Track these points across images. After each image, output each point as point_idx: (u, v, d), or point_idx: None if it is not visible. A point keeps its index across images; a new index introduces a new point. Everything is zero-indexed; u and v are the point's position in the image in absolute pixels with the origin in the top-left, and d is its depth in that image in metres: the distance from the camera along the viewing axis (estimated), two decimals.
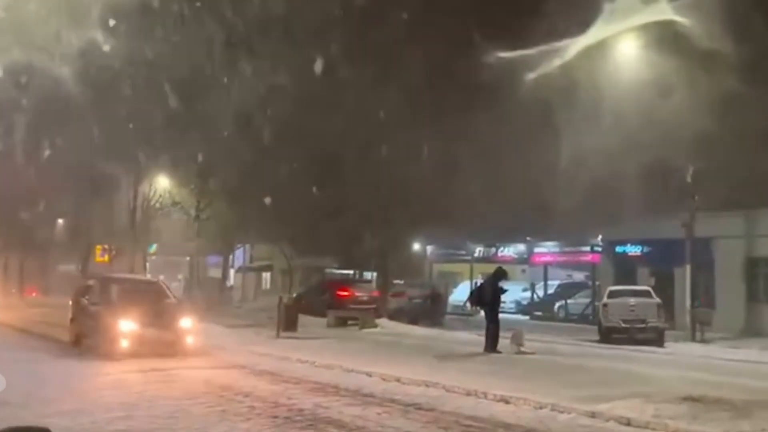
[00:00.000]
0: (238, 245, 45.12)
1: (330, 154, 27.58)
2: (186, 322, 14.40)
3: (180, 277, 45.55)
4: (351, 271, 43.45)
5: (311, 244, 37.47)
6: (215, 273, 42.74)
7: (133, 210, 36.12)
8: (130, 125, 27.70)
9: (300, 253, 40.10)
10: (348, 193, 29.16)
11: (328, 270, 44.44)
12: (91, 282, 17.43)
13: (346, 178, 28.64)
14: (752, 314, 25.78)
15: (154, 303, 14.73)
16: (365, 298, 27.83)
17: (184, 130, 25.97)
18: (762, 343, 21.12)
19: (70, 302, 16.95)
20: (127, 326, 13.71)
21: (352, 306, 25.98)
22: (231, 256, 44.36)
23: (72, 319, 16.25)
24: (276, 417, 8.60)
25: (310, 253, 39.77)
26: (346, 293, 28.06)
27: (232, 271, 47.70)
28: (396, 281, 35.38)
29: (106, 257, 40.48)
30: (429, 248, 40.80)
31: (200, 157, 26.29)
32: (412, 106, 25.56)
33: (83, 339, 15.33)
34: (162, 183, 34.79)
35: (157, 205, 35.91)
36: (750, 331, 24.60)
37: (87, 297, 15.86)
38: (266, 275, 50.16)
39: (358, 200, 29.03)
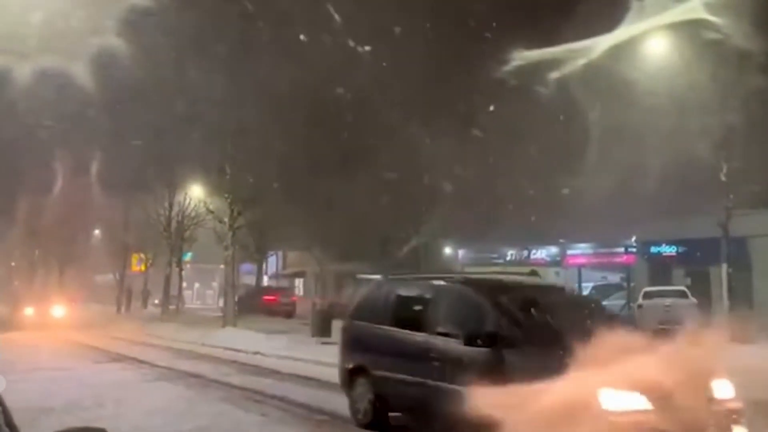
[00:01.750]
0: (271, 252, 45.50)
1: (362, 159, 27.73)
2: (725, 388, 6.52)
3: (214, 284, 46.12)
4: (382, 276, 43.50)
5: (344, 250, 37.66)
6: (249, 280, 43.19)
7: (168, 219, 36.70)
8: (165, 134, 28.17)
9: (332, 259, 40.31)
10: (381, 198, 29.27)
11: (359, 275, 44.56)
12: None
13: (379, 183, 28.75)
14: None
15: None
16: (285, 302, 36.18)
17: (218, 138, 26.35)
18: None
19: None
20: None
21: (274, 308, 33.88)
22: (264, 263, 44.77)
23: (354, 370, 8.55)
24: (320, 429, 8.72)
25: (342, 258, 39.96)
26: (271, 297, 36.33)
27: (265, 278, 48.17)
28: None
29: (143, 266, 41.17)
30: (461, 252, 40.72)
31: (234, 165, 26.64)
32: (444, 109, 25.60)
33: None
34: (196, 192, 35.31)
35: (192, 213, 36.44)
36: None
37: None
38: (299, 281, 50.53)
39: (392, 205, 29.13)
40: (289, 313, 33.82)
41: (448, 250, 40.58)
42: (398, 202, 28.99)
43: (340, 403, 10.05)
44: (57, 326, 29.02)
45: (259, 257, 40.14)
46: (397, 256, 33.47)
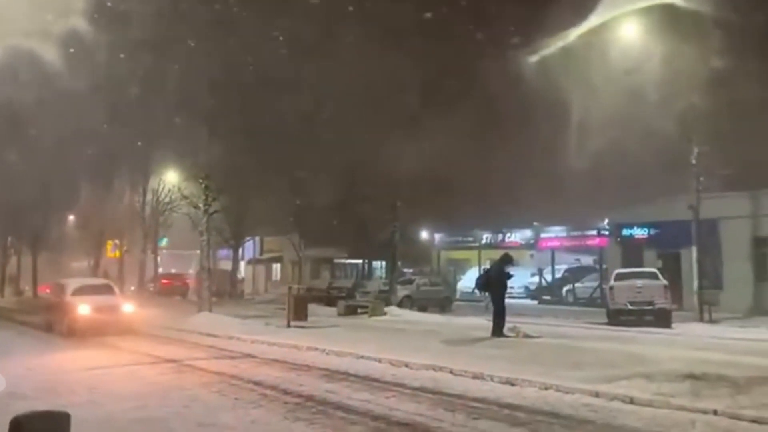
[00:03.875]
0: (248, 237, 45.44)
1: (339, 146, 27.77)
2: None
3: (191, 270, 45.97)
4: (360, 261, 43.76)
5: (321, 235, 37.75)
6: (226, 266, 43.12)
7: (143, 205, 36.45)
8: (139, 120, 27.97)
9: (309, 244, 40.40)
10: (357, 184, 29.37)
11: (337, 260, 44.77)
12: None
13: (354, 169, 28.83)
14: (760, 294, 25.91)
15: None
16: (179, 284, 41.10)
17: (193, 123, 26.18)
18: None
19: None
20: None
21: (170, 289, 39.50)
22: (241, 249, 44.70)
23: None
24: (287, 403, 8.87)
25: (319, 243, 40.07)
26: (166, 281, 41.82)
27: (242, 264, 48.10)
28: (406, 270, 35.68)
29: (117, 252, 40.91)
30: (437, 236, 41.02)
31: (208, 151, 26.49)
32: (417, 95, 25.69)
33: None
34: (171, 178, 35.09)
35: (167, 200, 36.22)
36: (758, 310, 24.73)
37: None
38: (276, 266, 50.55)
39: (368, 191, 29.24)
40: (183, 294, 39.31)
41: (424, 235, 40.84)
42: (375, 188, 29.10)
43: (313, 385, 10.25)
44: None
45: (235, 243, 40.04)
46: (374, 242, 33.66)
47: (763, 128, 21.52)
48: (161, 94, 25.19)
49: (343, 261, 44.69)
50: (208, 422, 7.81)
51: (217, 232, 35.33)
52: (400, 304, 27.04)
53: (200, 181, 24.99)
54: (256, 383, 10.49)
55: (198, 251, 27.11)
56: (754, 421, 7.24)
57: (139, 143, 30.81)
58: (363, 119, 26.11)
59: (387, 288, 29.52)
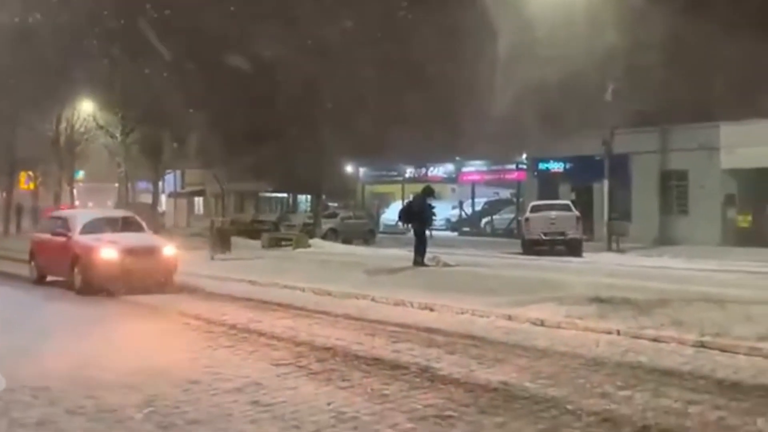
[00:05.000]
0: (169, 170, 44.43)
1: (262, 76, 27.25)
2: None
3: (109, 203, 44.71)
4: (285, 195, 43.61)
5: (245, 169, 37.29)
6: (146, 199, 42.14)
7: (56, 134, 34.93)
8: (54, 47, 26.55)
9: (233, 178, 39.90)
10: (280, 116, 29.00)
11: (261, 194, 44.46)
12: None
13: (278, 100, 28.42)
14: (665, 225, 27.50)
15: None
16: None
17: (110, 50, 25.11)
18: (673, 251, 22.76)
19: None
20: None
21: None
22: (161, 182, 43.70)
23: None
24: (211, 332, 9.05)
25: (243, 177, 39.60)
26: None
27: (163, 197, 47.10)
28: (331, 203, 35.88)
29: (31, 184, 39.31)
30: (362, 170, 41.25)
31: (125, 79, 25.55)
32: (345, 29, 25.36)
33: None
34: (86, 107, 33.67)
35: (82, 129, 34.81)
36: (662, 240, 26.34)
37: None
38: (199, 200, 49.76)
39: (291, 123, 28.95)
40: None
41: (349, 169, 40.97)
42: (299, 121, 28.85)
43: (237, 314, 10.45)
44: None
45: (155, 175, 39.08)
46: (300, 176, 33.55)
47: (673, 66, 22.43)
48: (71, 16, 23.98)
49: (267, 195, 44.44)
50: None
51: (135, 164, 34.41)
52: (324, 237, 27.34)
53: (116, 110, 24.22)
54: (180, 313, 10.59)
55: (116, 184, 26.45)
56: (653, 339, 7.88)
57: (49, 68, 29.30)
58: (287, 50, 25.65)
59: (312, 221, 29.71)
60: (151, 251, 13.25)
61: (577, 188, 29.77)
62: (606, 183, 25.53)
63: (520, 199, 33.04)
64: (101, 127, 28.73)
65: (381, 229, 34.38)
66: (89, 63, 27.18)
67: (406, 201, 19.37)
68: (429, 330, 8.91)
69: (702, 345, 7.51)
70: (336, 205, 36.42)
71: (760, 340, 7.35)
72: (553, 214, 22.75)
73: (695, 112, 24.81)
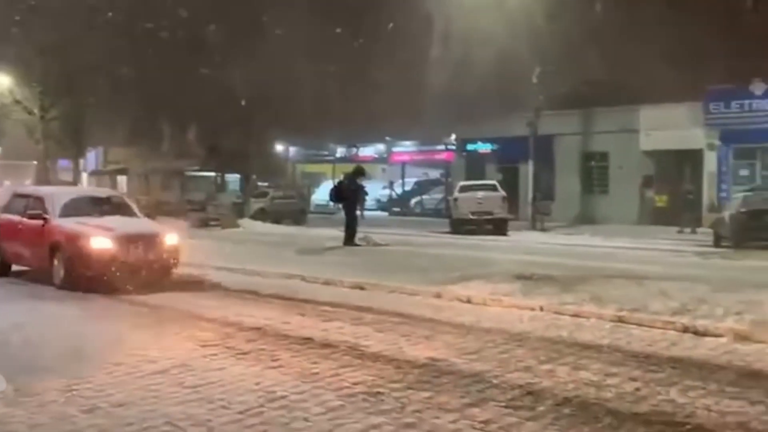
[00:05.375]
0: (90, 148, 42.92)
1: (190, 52, 26.59)
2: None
3: (27, 182, 42.90)
4: (213, 174, 42.82)
5: (170, 147, 36.42)
6: (67, 178, 40.59)
7: None
8: None
9: (158, 156, 38.88)
10: (208, 94, 28.40)
11: (188, 173, 43.49)
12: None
13: (205, 78, 27.81)
14: (586, 204, 28.49)
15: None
16: None
17: (28, 22, 23.89)
18: (593, 229, 23.63)
19: None
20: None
21: None
22: (83, 160, 42.18)
23: None
24: (139, 314, 8.90)
25: (169, 155, 38.66)
26: None
27: (84, 175, 45.50)
28: (260, 183, 35.48)
29: None
30: (291, 149, 40.92)
31: (44, 54, 24.41)
32: (275, 6, 24.96)
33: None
34: (1, 80, 32.06)
35: None
36: (584, 219, 27.30)
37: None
38: (122, 179, 48.29)
39: (219, 101, 28.41)
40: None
41: (279, 148, 40.56)
42: (227, 100, 28.34)
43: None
44: None
45: (76, 153, 37.68)
46: (228, 155, 33.04)
47: (597, 50, 23.08)
48: None
49: (194, 174, 43.51)
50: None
51: (55, 142, 33.10)
52: (253, 217, 27.04)
53: (33, 84, 23.18)
54: (102, 295, 10.33)
55: (35, 162, 25.38)
56: (574, 315, 8.18)
57: None
58: (216, 27, 25.12)
59: (241, 201, 29.31)
60: (150, 239, 10.95)
61: (504, 169, 30.44)
62: (531, 164, 26.21)
63: (449, 180, 33.49)
64: (18, 102, 27.41)
65: (312, 208, 34.26)
66: (4, 35, 25.86)
67: (337, 181, 19.36)
68: (359, 308, 8.97)
69: (619, 320, 7.83)
70: (266, 184, 36.04)
71: (673, 314, 7.73)
72: (481, 194, 23.22)
73: (617, 96, 25.67)
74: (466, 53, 21.76)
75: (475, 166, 31.47)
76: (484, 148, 31.81)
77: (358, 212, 16.76)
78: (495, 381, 5.59)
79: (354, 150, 38.08)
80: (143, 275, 10.48)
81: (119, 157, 44.80)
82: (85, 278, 10.45)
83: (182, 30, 25.36)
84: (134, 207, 12.83)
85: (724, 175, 25.93)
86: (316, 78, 27.23)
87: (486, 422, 4.66)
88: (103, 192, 14.40)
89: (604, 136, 28.01)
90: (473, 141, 32.05)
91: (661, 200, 26.70)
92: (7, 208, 12.95)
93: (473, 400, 5.13)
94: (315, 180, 40.84)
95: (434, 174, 38.13)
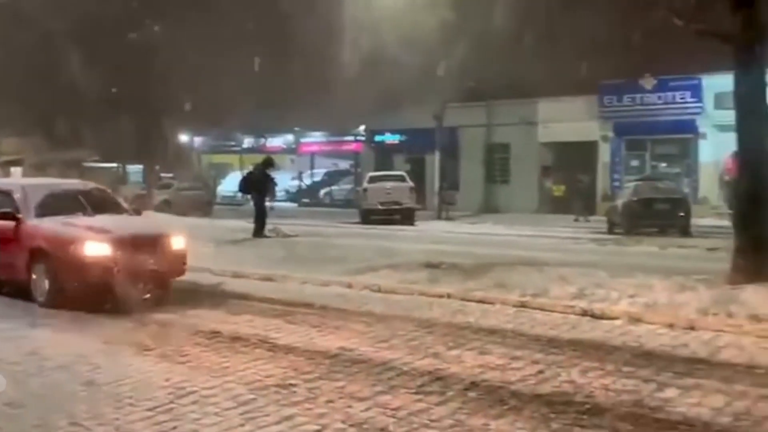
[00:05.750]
0: None
1: (86, 38, 25.44)
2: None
3: None
4: (115, 165, 41.28)
5: (68, 137, 34.78)
6: None
7: None
8: None
9: (56, 146, 37.06)
10: (108, 81, 27.27)
11: (88, 164, 41.70)
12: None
13: (104, 64, 26.69)
14: (489, 194, 29.41)
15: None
16: None
17: None
18: (496, 218, 24.43)
19: None
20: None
21: None
22: None
23: None
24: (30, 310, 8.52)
25: (67, 145, 36.91)
26: None
27: None
28: (164, 174, 34.48)
29: None
30: (197, 140, 39.97)
31: None
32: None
33: None
34: None
35: None
36: (487, 208, 28.19)
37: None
38: (17, 170, 45.72)
39: (119, 89, 27.36)
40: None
41: (183, 138, 39.54)
42: (128, 87, 27.31)
43: None
44: None
45: None
46: (130, 145, 31.91)
47: (500, 43, 23.67)
48: None
49: (94, 165, 41.75)
50: None
51: None
52: (157, 209, 26.25)
53: None
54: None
55: None
56: (480, 301, 8.44)
57: None
58: (115, 11, 24.17)
59: (144, 192, 28.40)
60: (155, 242, 9.05)
61: (411, 159, 30.91)
62: (437, 155, 26.75)
63: (358, 170, 33.66)
64: None
65: (219, 200, 33.63)
66: None
67: (245, 172, 19.11)
68: (270, 300, 8.95)
69: (522, 305, 8.16)
70: (170, 175, 35.05)
71: (572, 299, 8.11)
72: (389, 184, 23.52)
73: (518, 89, 26.49)
74: (373, 45, 21.87)
75: (383, 157, 31.80)
76: (392, 139, 32.17)
77: (268, 203, 16.59)
78: (405, 368, 5.73)
79: (262, 140, 37.61)
80: (146, 287, 8.64)
81: (12, 147, 42.43)
82: (74, 293, 8.42)
83: (80, 12, 24.23)
84: (123, 202, 11.10)
85: (616, 166, 27.29)
86: (223, 67, 26.66)
87: (397, 409, 4.78)
88: (83, 185, 11.47)
89: (505, 128, 28.90)
90: (381, 132, 32.34)
91: (558, 190, 27.82)
92: None
93: (384, 388, 5.24)
94: (222, 171, 40.09)
95: (343, 165, 38.20)
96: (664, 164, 26.82)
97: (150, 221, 11.30)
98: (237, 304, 8.77)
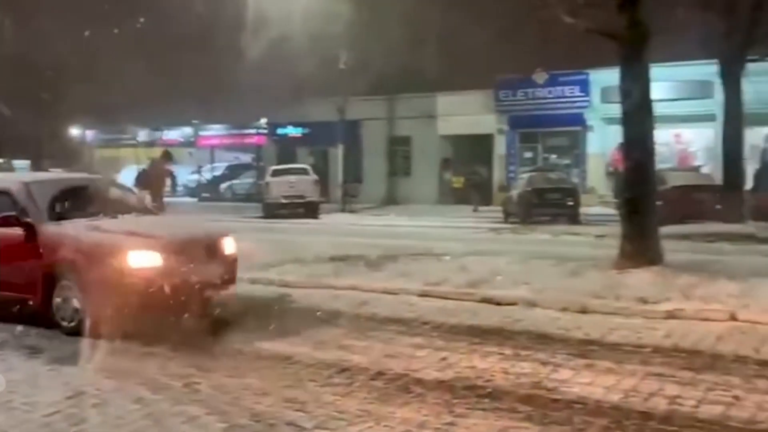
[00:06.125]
0: None
1: None
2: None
3: None
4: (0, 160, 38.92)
5: None
6: None
7: None
8: None
9: None
10: None
11: None
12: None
13: None
14: (391, 186, 29.82)
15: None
16: None
17: None
18: (398, 209, 24.83)
19: None
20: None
21: None
22: None
23: None
24: None
25: None
26: None
27: None
28: (53, 169, 32.81)
29: None
30: (89, 133, 38.31)
31: None
32: None
33: None
34: None
35: None
36: (389, 200, 28.58)
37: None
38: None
39: (3, 83, 25.81)
40: None
41: (74, 132, 37.76)
42: (13, 78, 25.82)
43: None
44: None
45: None
46: (14, 138, 30.20)
47: (401, 37, 23.95)
48: None
49: None
50: None
51: None
52: None
53: None
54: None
55: None
56: (384, 291, 8.54)
57: None
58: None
59: None
60: (209, 248, 7.43)
61: (315, 152, 30.82)
62: (340, 148, 26.81)
63: (261, 164, 33.23)
64: None
65: None
66: None
67: (142, 166, 18.51)
68: None
69: (425, 294, 8.33)
70: (60, 170, 33.39)
71: (472, 286, 8.38)
72: (293, 178, 23.37)
73: (419, 83, 26.93)
74: (275, 37, 21.61)
75: (286, 150, 31.54)
76: (294, 132, 31.95)
77: (169, 198, 16.16)
78: (311, 362, 5.75)
79: (159, 133, 36.45)
80: (196, 305, 6.85)
81: None
82: (115, 316, 6.37)
83: None
84: (145, 198, 9.40)
85: (511, 158, 28.26)
86: (116, 59, 25.65)
87: (304, 403, 4.80)
88: (93, 179, 9.53)
89: (406, 121, 29.32)
90: (284, 125, 32.05)
91: (458, 182, 28.51)
92: None
93: (291, 382, 5.25)
94: (116, 165, 38.56)
95: (245, 158, 37.57)
96: (554, 156, 27.99)
97: (191, 221, 9.79)
98: None
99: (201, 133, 35.64)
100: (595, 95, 25.89)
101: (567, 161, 27.61)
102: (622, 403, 4.73)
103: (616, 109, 10.29)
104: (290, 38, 21.90)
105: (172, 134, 36.43)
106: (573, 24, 9.77)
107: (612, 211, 16.97)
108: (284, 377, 5.37)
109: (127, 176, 32.89)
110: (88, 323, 6.61)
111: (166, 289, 6.64)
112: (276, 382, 5.23)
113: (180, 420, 4.54)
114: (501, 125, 28.11)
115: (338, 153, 27.08)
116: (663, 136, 19.25)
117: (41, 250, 7.05)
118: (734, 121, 17.09)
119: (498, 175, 28.10)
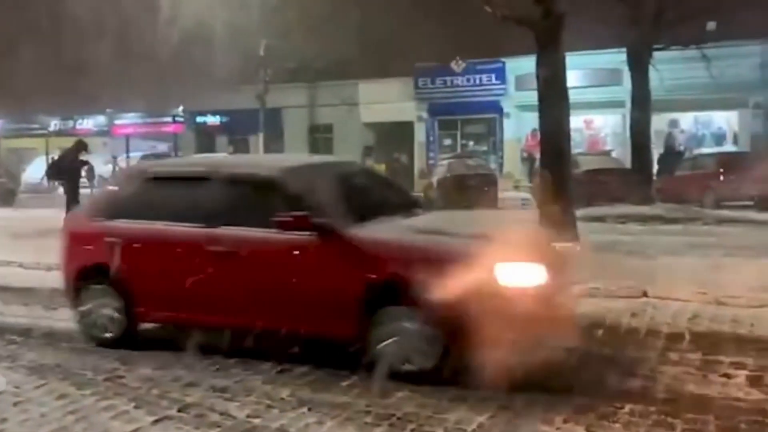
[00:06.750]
0: None
1: None
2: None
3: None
4: None
5: None
6: None
7: None
8: None
9: None
10: None
11: None
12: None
13: None
14: None
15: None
16: None
17: None
18: None
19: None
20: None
21: None
22: None
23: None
24: None
25: None
26: None
27: None
28: None
29: None
30: None
31: None
32: None
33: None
34: None
35: None
36: None
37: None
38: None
39: None
40: None
41: None
42: None
43: None
44: None
45: None
46: None
47: (323, 24, 23.91)
48: None
49: None
50: None
51: None
52: None
53: None
54: None
55: None
56: None
57: None
58: None
59: None
60: (559, 257, 5.92)
61: (235, 141, 30.42)
62: (261, 136, 26.57)
63: (179, 153, 32.51)
64: None
65: (22, 188, 30.99)
66: None
67: (53, 156, 17.84)
68: None
69: None
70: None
71: None
72: None
73: (341, 71, 26.96)
74: (192, 23, 21.14)
75: (204, 139, 31.02)
76: (213, 120, 31.41)
77: (88, 190, 15.62)
78: None
79: (71, 122, 35.12)
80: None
81: None
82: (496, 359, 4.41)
83: None
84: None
85: (432, 145, 28.75)
86: (21, 44, 24.48)
87: None
88: (350, 164, 8.11)
89: (328, 109, 29.32)
90: (203, 113, 31.46)
91: (379, 168, 28.75)
92: (120, 207, 6.21)
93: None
94: (25, 156, 36.90)
95: (162, 147, 36.60)
96: (472, 143, 28.64)
97: (492, 216, 8.00)
98: (53, 296, 8.26)
99: (116, 121, 34.53)
100: (511, 83, 26.58)
101: (484, 148, 28.30)
102: None
103: (530, 97, 10.67)
104: (208, 24, 21.50)
105: (86, 123, 35.15)
106: (490, 13, 10.06)
107: (527, 195, 17.51)
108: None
109: (36, 168, 31.76)
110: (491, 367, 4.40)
111: (552, 314, 4.86)
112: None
113: None
114: (421, 112, 28.52)
115: (259, 141, 26.82)
116: (574, 122, 19.81)
117: (351, 265, 5.12)
118: (641, 107, 17.93)
119: (419, 161, 28.51)
